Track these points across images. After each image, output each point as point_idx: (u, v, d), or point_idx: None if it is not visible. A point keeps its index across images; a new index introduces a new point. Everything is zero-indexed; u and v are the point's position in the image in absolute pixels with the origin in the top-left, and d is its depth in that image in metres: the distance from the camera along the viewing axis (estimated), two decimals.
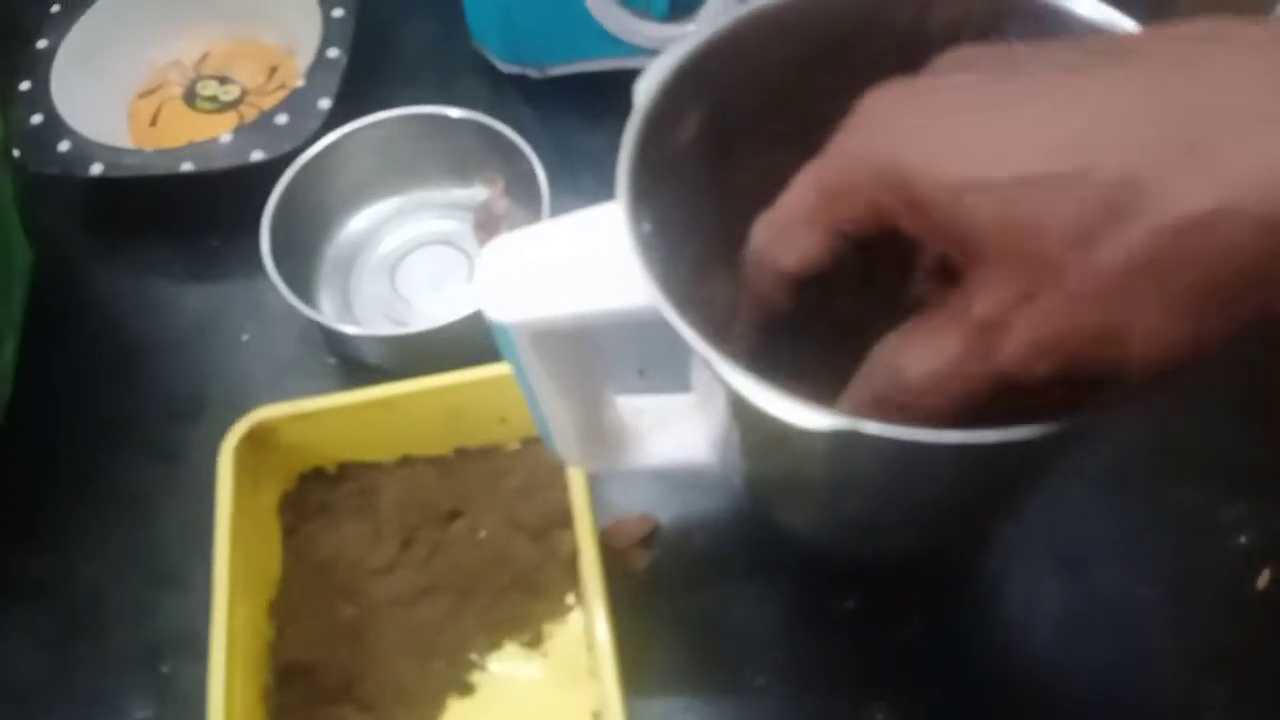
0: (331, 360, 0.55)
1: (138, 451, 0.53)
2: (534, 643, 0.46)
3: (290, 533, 0.48)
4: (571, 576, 0.46)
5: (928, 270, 0.33)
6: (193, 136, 0.59)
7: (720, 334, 0.41)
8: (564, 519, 0.46)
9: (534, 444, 0.49)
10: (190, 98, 0.65)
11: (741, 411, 0.30)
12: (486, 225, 0.57)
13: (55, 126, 0.58)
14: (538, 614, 0.46)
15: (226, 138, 0.56)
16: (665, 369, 0.52)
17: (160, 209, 0.60)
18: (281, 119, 0.57)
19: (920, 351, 0.25)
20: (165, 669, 0.47)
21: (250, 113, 0.63)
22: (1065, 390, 0.25)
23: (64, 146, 0.57)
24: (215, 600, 0.42)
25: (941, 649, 0.45)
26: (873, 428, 0.25)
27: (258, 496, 0.47)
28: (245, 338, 0.56)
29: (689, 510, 0.49)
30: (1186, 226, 0.20)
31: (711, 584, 0.47)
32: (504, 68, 0.63)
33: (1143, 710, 0.44)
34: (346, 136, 0.55)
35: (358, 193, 0.58)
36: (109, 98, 0.63)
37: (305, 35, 0.61)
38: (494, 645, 0.46)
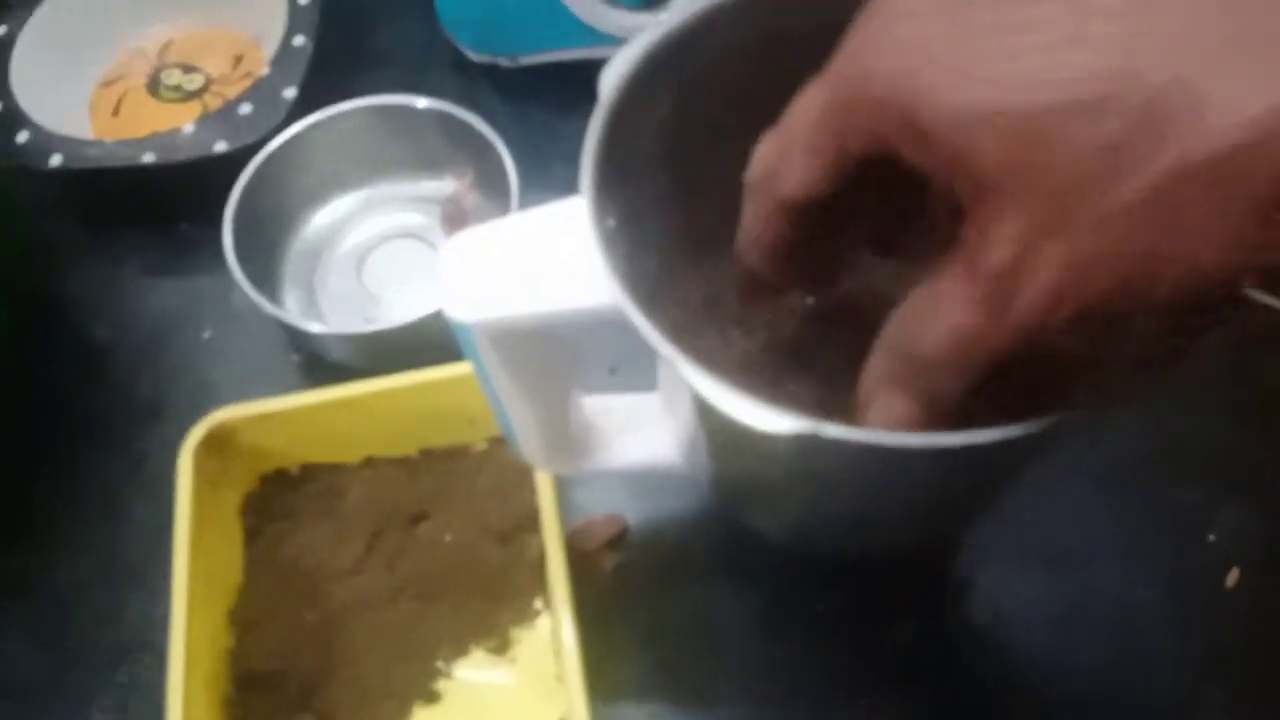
0: (296, 358, 0.54)
1: (101, 451, 0.51)
2: (501, 648, 0.45)
3: (252, 536, 0.47)
4: (539, 580, 0.45)
5: (939, 224, 0.31)
6: (156, 126, 0.58)
7: (691, 331, 0.40)
8: (532, 521, 0.45)
9: (501, 444, 0.48)
10: (154, 87, 0.63)
11: (706, 414, 0.29)
12: (455, 219, 0.56)
13: (14, 117, 0.56)
14: (505, 619, 0.45)
15: (189, 128, 0.55)
16: (637, 366, 0.50)
17: (123, 201, 0.58)
18: (245, 109, 0.55)
19: (931, 320, 0.23)
20: (128, 673, 0.46)
21: (215, 102, 0.62)
22: (1063, 372, 0.24)
23: (22, 138, 0.55)
24: (174, 608, 0.41)
25: (924, 651, 0.44)
26: (833, 431, 0.24)
27: (218, 499, 0.46)
28: (207, 335, 0.54)
29: (658, 510, 0.48)
30: (1243, 134, 0.18)
31: (681, 586, 0.46)
32: (474, 57, 0.61)
33: (1141, 711, 0.43)
34: (311, 127, 0.54)
35: (323, 185, 0.57)
36: (70, 87, 0.62)
37: (271, 23, 0.59)
38: (460, 651, 0.45)
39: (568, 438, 0.38)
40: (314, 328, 0.49)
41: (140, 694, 0.45)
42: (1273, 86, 0.18)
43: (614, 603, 0.46)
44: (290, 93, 0.55)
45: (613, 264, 0.28)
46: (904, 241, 0.33)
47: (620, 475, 0.47)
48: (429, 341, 0.47)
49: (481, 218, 0.55)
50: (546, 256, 0.29)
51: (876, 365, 0.26)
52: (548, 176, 0.56)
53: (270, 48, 0.58)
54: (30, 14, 0.60)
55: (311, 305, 0.54)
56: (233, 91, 0.61)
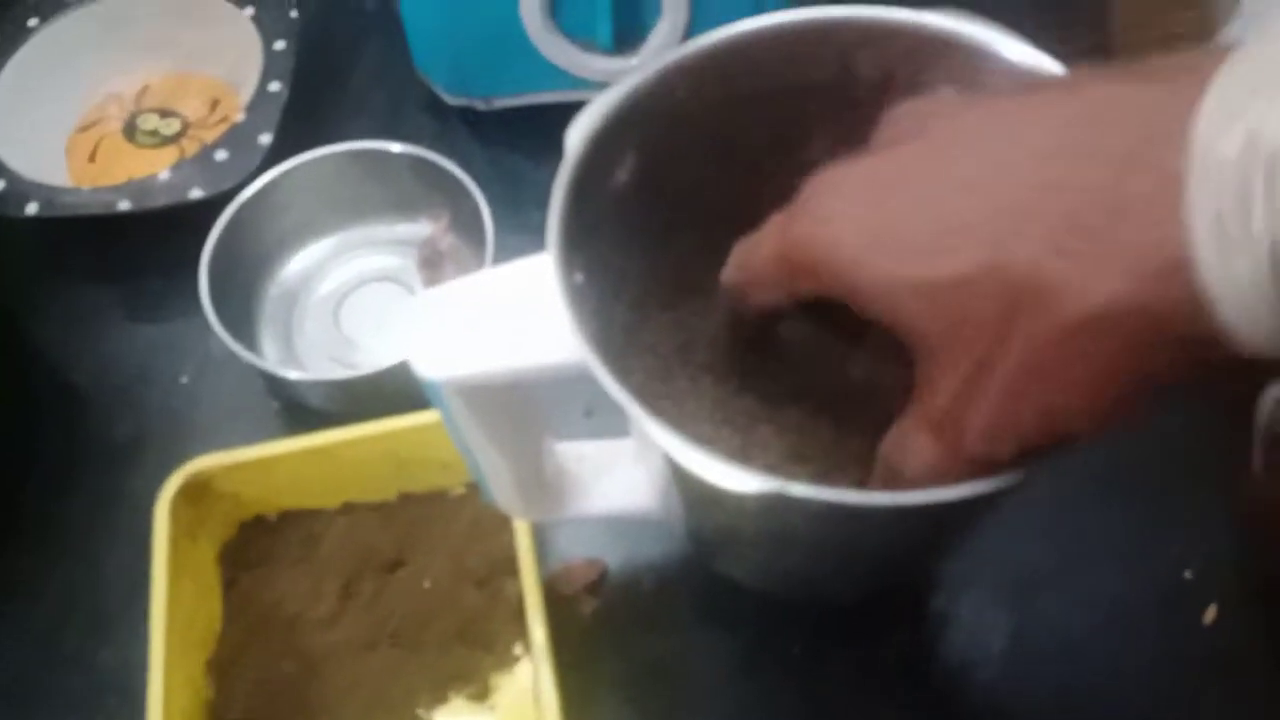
0: (275, 403, 0.53)
1: (77, 499, 0.51)
2: (481, 695, 0.45)
3: (230, 585, 0.47)
4: (519, 625, 0.45)
5: None
6: (133, 172, 0.58)
7: (662, 378, 0.40)
8: (510, 565, 0.45)
9: (479, 488, 0.48)
10: (130, 132, 0.63)
11: (675, 469, 0.29)
12: (431, 262, 0.56)
13: None
14: (485, 665, 0.45)
15: (164, 175, 0.55)
16: (613, 407, 0.50)
17: (99, 247, 0.58)
18: (221, 155, 0.56)
19: (905, 454, 0.27)
20: None
21: (192, 147, 0.62)
22: None
23: None
24: (151, 660, 0.41)
25: (902, 690, 0.44)
26: (799, 490, 0.25)
27: (196, 549, 0.45)
28: (184, 380, 0.54)
29: (638, 553, 0.48)
30: (1086, 319, 0.21)
31: (660, 630, 0.46)
32: (450, 100, 0.62)
33: None
34: (286, 174, 0.54)
35: (299, 230, 0.57)
36: (46, 133, 0.62)
37: (247, 68, 0.60)
38: (440, 699, 0.44)
39: (542, 486, 0.38)
40: (291, 375, 0.49)
41: None
42: (1109, 269, 0.21)
43: (594, 647, 0.45)
44: (266, 139, 0.56)
45: (580, 320, 0.28)
46: None
47: (598, 520, 0.47)
48: (407, 386, 0.46)
49: (458, 260, 0.56)
50: (514, 313, 0.30)
51: (877, 471, 0.29)
52: (523, 217, 0.56)
53: (246, 92, 0.59)
54: (6, 59, 0.60)
55: (289, 351, 0.54)
56: (209, 136, 0.61)
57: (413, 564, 0.47)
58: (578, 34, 0.56)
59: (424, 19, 0.58)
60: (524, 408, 0.34)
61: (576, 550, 0.48)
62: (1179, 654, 0.45)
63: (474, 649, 0.45)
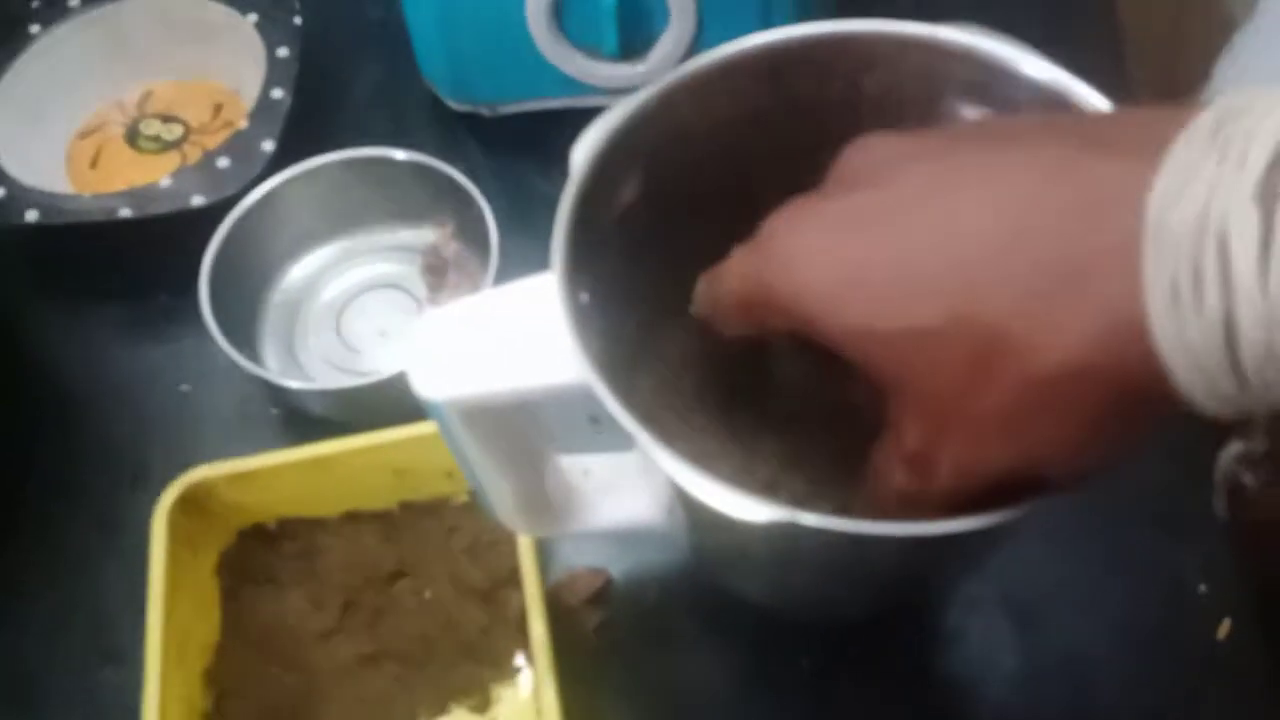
0: (276, 411, 0.53)
1: (77, 509, 0.51)
2: (482, 707, 0.44)
3: (229, 596, 0.46)
4: (521, 637, 0.45)
5: None
6: (135, 178, 0.58)
7: (669, 390, 0.40)
8: (512, 577, 0.45)
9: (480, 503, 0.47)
10: (132, 137, 0.63)
11: (682, 494, 0.29)
12: (435, 269, 0.55)
13: None
14: (486, 678, 0.44)
15: (166, 181, 0.55)
16: None
17: (99, 254, 0.58)
18: (223, 162, 0.55)
19: (885, 480, 0.28)
20: None
21: (194, 153, 0.62)
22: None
23: None
24: (147, 673, 0.41)
25: (913, 707, 0.44)
26: (811, 519, 0.24)
27: (195, 560, 0.45)
28: (185, 388, 0.54)
29: (642, 564, 0.48)
30: (1051, 374, 0.22)
31: (665, 643, 0.46)
32: (455, 106, 0.61)
33: None
34: (289, 181, 0.54)
35: (302, 238, 0.56)
36: (46, 139, 0.61)
37: (250, 74, 0.59)
38: (441, 710, 0.44)
39: (545, 502, 0.38)
40: (292, 384, 0.49)
41: None
42: (1070, 327, 0.21)
43: (597, 660, 0.45)
44: (268, 146, 0.55)
45: (585, 341, 0.28)
46: None
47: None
48: (409, 395, 0.46)
49: (462, 267, 0.55)
50: (517, 333, 0.29)
51: (868, 494, 0.30)
52: (529, 224, 0.55)
53: (249, 98, 0.58)
54: (7, 65, 0.60)
55: (291, 359, 0.54)
56: (212, 142, 0.61)
57: (414, 575, 0.46)
58: (583, 41, 0.55)
59: (428, 25, 0.57)
60: (527, 427, 0.34)
61: (580, 559, 0.48)
62: (1192, 670, 0.44)
63: (475, 661, 0.45)
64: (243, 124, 0.57)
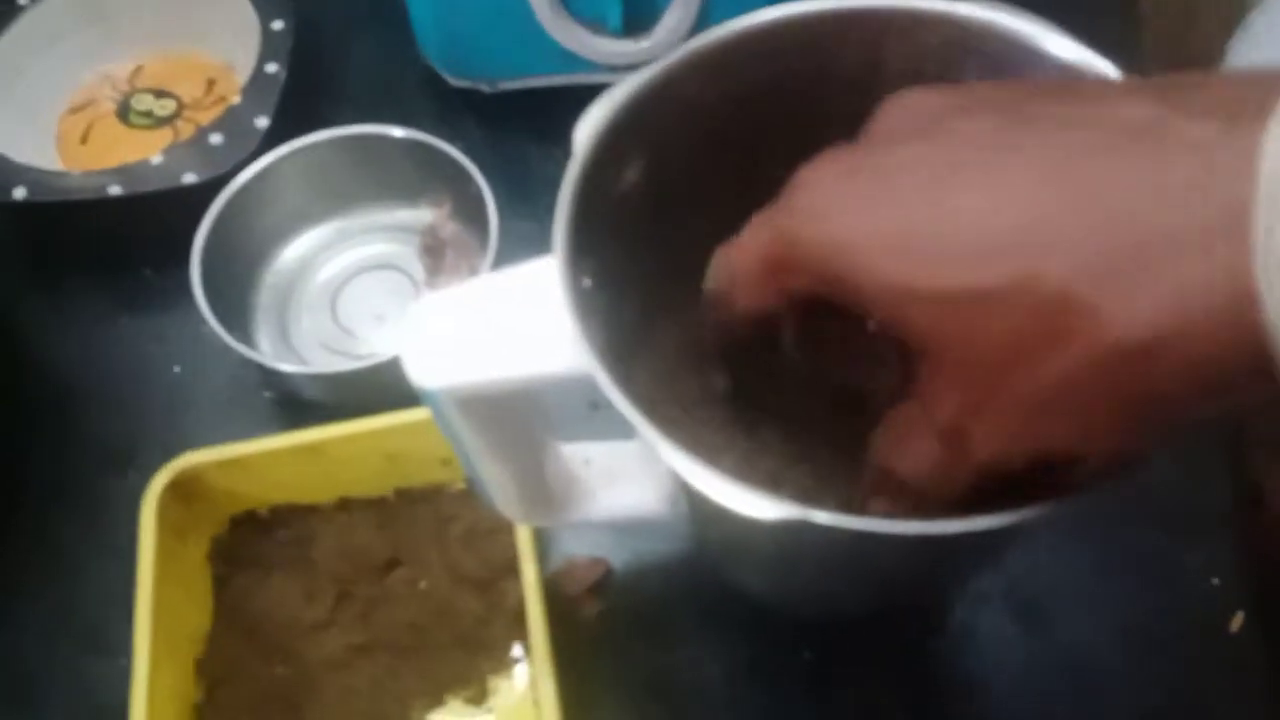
0: (269, 394, 0.52)
1: (65, 498, 0.50)
2: (478, 699, 0.43)
3: (221, 584, 0.45)
4: (519, 628, 0.44)
5: None
6: (126, 154, 0.56)
7: (671, 379, 0.39)
8: (510, 566, 0.44)
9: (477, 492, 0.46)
10: (124, 113, 0.61)
11: (688, 488, 0.28)
12: (433, 250, 0.54)
13: None
14: (482, 669, 0.44)
15: (157, 159, 0.53)
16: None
17: (89, 233, 0.57)
18: (216, 138, 0.54)
19: (902, 455, 0.26)
20: None
21: (187, 129, 0.60)
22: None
23: None
24: (135, 663, 0.40)
25: (916, 701, 0.43)
26: (823, 518, 0.23)
27: (185, 548, 0.44)
28: (177, 370, 0.53)
29: (643, 552, 0.47)
30: (1122, 350, 0.20)
31: (664, 634, 0.45)
32: (454, 82, 0.60)
33: None
34: (283, 159, 0.53)
35: (296, 217, 0.55)
36: (36, 114, 0.60)
37: (244, 48, 0.58)
38: (436, 702, 0.43)
39: (545, 491, 0.37)
40: (285, 367, 0.48)
41: None
42: (1152, 300, 0.19)
43: (597, 651, 0.44)
44: (262, 122, 0.54)
45: (587, 328, 0.27)
46: None
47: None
48: (405, 379, 0.45)
49: (460, 248, 0.54)
50: (517, 319, 0.28)
51: (868, 475, 0.28)
52: (529, 203, 0.54)
53: (243, 73, 0.57)
54: None
55: (284, 341, 0.53)
56: (205, 117, 0.60)
57: (409, 564, 0.45)
58: (586, 16, 0.54)
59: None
60: (526, 415, 0.33)
61: (579, 548, 0.47)
62: (1205, 662, 0.43)
63: (471, 652, 0.44)
64: (236, 99, 0.55)
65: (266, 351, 0.52)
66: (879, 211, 0.23)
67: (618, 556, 0.47)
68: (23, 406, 0.52)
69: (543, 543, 0.46)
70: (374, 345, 0.52)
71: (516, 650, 0.44)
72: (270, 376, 0.51)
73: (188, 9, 0.62)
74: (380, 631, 0.44)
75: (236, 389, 0.52)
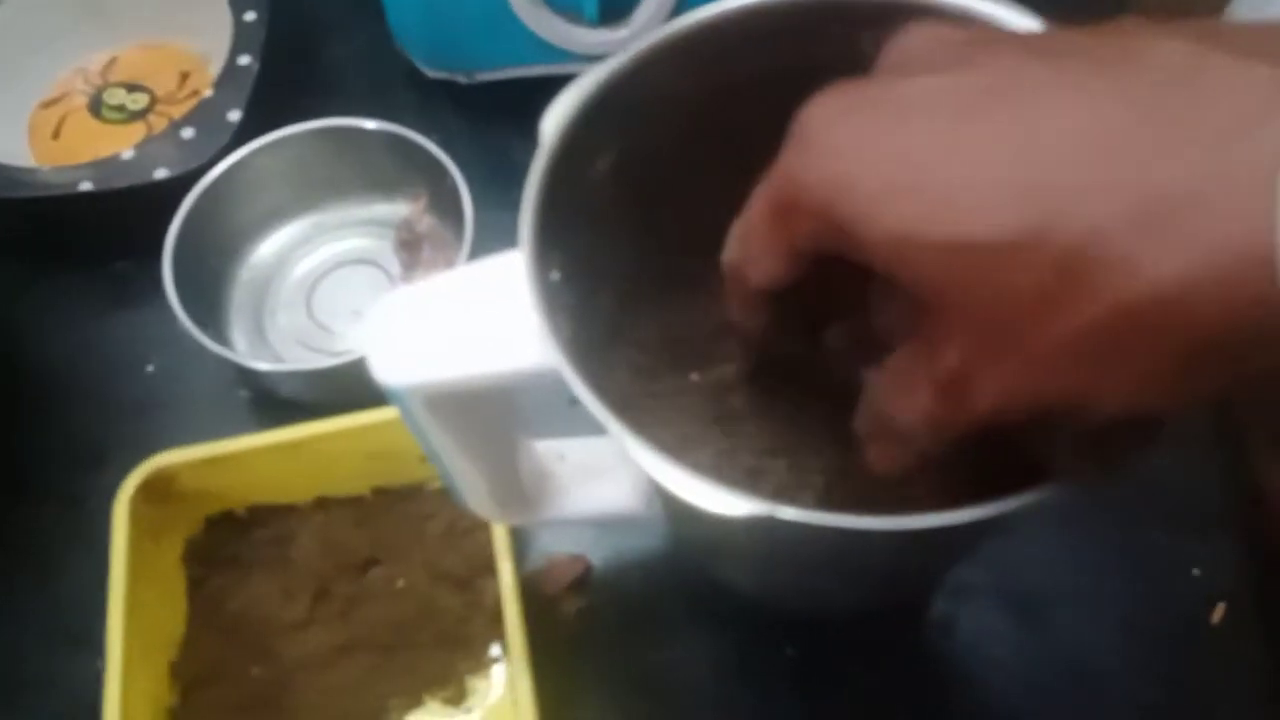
0: (245, 393, 0.51)
1: (39, 499, 0.49)
2: (457, 699, 0.43)
3: (197, 585, 0.45)
4: (498, 626, 0.43)
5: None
6: (99, 149, 0.56)
7: (649, 374, 0.38)
8: (490, 564, 0.43)
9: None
10: (96, 107, 0.61)
11: (660, 486, 0.27)
12: (409, 244, 0.54)
13: None
14: (461, 668, 0.43)
15: (129, 154, 0.53)
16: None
17: (60, 230, 0.56)
18: (188, 132, 0.53)
19: (900, 400, 0.24)
20: None
21: (160, 123, 0.60)
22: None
23: None
24: (108, 668, 0.39)
25: (899, 696, 0.43)
26: (789, 513, 0.23)
27: (159, 549, 0.44)
28: (150, 369, 0.52)
29: (624, 550, 0.46)
30: (1147, 302, 0.19)
31: (647, 630, 0.44)
32: (430, 73, 0.59)
33: None
34: (256, 152, 0.52)
35: (270, 212, 0.54)
36: (6, 109, 0.59)
37: (218, 39, 0.57)
38: (414, 702, 0.43)
39: (519, 489, 0.36)
40: (261, 365, 0.47)
41: None
42: (1183, 251, 0.18)
43: (577, 649, 0.44)
44: (235, 115, 0.53)
45: (555, 323, 0.26)
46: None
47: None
48: None
49: (437, 242, 0.53)
50: (483, 315, 0.28)
51: (862, 422, 0.27)
52: (508, 195, 0.52)
53: (218, 65, 0.56)
54: None
55: (260, 339, 0.52)
56: (179, 111, 0.59)
57: (387, 563, 0.45)
58: (562, 5, 0.53)
59: None
60: (496, 412, 0.32)
61: (560, 546, 0.46)
62: (1203, 659, 0.43)
63: (450, 651, 0.43)
64: (209, 93, 0.54)
65: (242, 349, 0.51)
66: (888, 148, 0.21)
67: (598, 554, 0.46)
68: None
69: (523, 540, 0.46)
70: (351, 342, 0.52)
71: (495, 649, 0.44)
72: (246, 375, 0.50)
73: (161, 1, 0.61)
74: (359, 630, 0.43)
75: (212, 387, 0.51)
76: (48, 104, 0.61)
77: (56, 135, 0.60)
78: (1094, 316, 0.19)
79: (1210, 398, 0.21)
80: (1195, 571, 0.44)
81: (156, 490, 0.43)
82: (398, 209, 0.55)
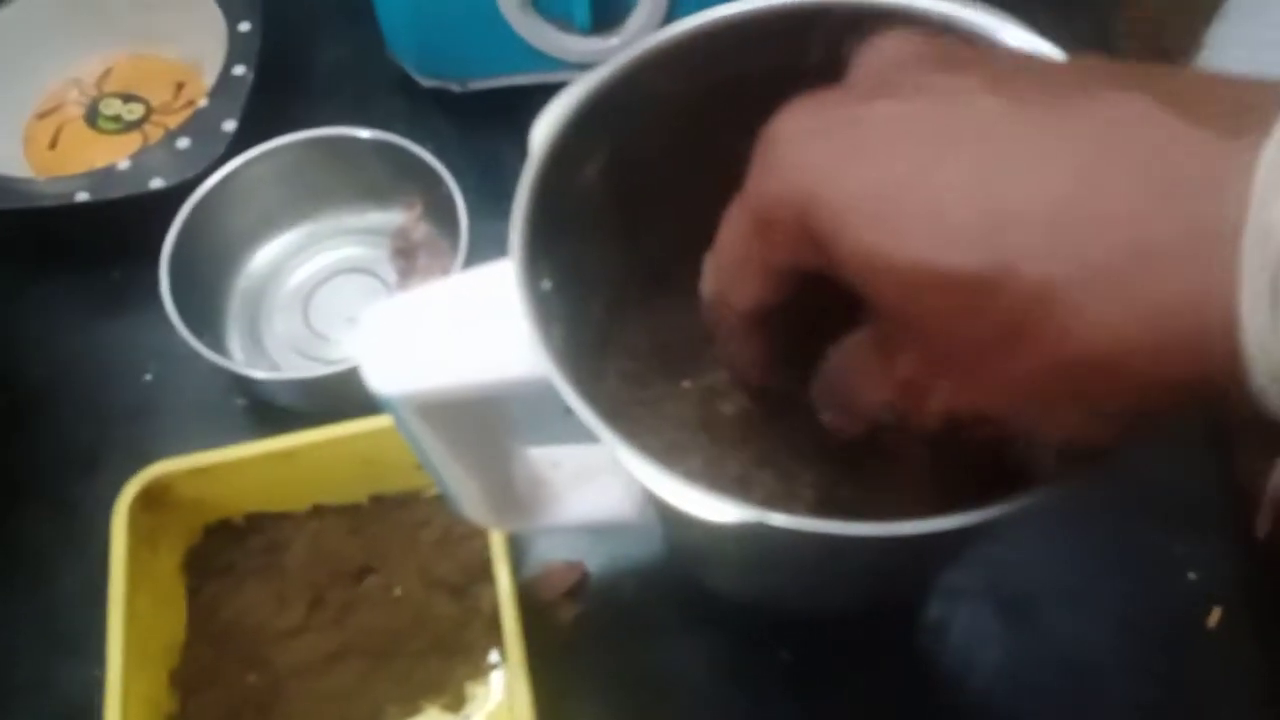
0: (242, 401, 0.51)
1: (34, 505, 0.49)
2: (454, 705, 0.43)
3: (194, 593, 0.45)
4: (495, 633, 0.43)
5: None
6: (95, 160, 0.56)
7: (639, 382, 0.39)
8: (486, 570, 0.43)
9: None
10: (92, 118, 0.61)
11: (652, 493, 0.28)
12: (404, 252, 0.54)
13: None
14: (459, 675, 0.43)
15: (124, 164, 0.53)
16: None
17: (57, 240, 0.56)
18: (183, 142, 0.53)
19: (864, 385, 0.25)
20: None
21: (155, 133, 0.60)
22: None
23: None
24: (108, 677, 0.39)
25: (893, 700, 0.43)
26: (779, 520, 0.23)
27: (157, 557, 0.44)
28: (148, 378, 0.52)
29: (620, 556, 0.46)
30: (1091, 359, 0.20)
31: (643, 636, 0.45)
32: (423, 82, 0.60)
33: None
34: (251, 162, 0.52)
35: (266, 221, 0.54)
36: (2, 120, 0.59)
37: (212, 49, 0.57)
38: (412, 709, 0.43)
39: (514, 496, 0.37)
40: (257, 374, 0.47)
41: None
42: (1126, 311, 0.19)
43: (573, 655, 0.44)
44: (230, 125, 0.53)
45: (546, 332, 0.27)
46: None
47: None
48: None
49: (432, 250, 0.53)
50: (475, 324, 0.28)
51: (821, 393, 0.28)
52: (503, 203, 0.52)
53: (212, 75, 0.56)
54: None
55: (256, 346, 0.52)
56: (174, 121, 0.59)
57: (383, 571, 0.45)
58: (554, 14, 0.54)
59: None
60: (490, 420, 0.32)
61: (556, 553, 0.46)
62: (1197, 658, 0.43)
63: (448, 657, 0.43)
64: (204, 103, 0.55)
65: (239, 357, 0.51)
66: (855, 172, 0.22)
67: (594, 560, 0.46)
68: None
69: (519, 547, 0.46)
70: (347, 350, 0.52)
71: (493, 656, 0.44)
72: (242, 383, 0.50)
73: (155, 11, 0.61)
74: (354, 638, 0.43)
75: (208, 395, 0.52)
76: (44, 114, 0.61)
77: (53, 145, 0.60)
78: (1038, 365, 0.20)
79: (1159, 435, 0.22)
80: (1191, 575, 0.45)
81: (154, 499, 0.43)
82: (392, 217, 0.55)
